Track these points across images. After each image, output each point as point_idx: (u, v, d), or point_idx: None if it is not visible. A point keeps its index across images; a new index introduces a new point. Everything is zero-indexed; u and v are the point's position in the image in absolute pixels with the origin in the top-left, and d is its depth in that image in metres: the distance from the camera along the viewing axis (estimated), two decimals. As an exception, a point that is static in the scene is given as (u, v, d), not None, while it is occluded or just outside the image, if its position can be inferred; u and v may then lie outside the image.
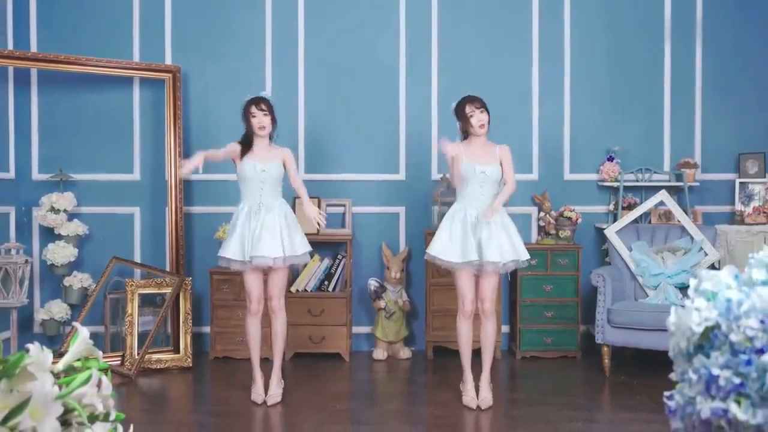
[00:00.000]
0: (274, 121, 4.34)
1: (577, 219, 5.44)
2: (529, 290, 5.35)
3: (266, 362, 4.70)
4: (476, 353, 4.39)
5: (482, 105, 4.22)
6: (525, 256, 4.21)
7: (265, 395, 4.31)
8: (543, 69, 5.72)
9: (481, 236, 4.10)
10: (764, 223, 5.41)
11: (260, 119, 4.27)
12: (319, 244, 5.49)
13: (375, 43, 5.70)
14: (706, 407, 1.06)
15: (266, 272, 4.33)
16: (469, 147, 4.25)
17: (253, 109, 4.28)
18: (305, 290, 5.42)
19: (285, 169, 4.33)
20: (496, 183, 4.23)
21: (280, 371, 4.41)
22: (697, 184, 5.64)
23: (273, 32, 5.69)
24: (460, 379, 4.36)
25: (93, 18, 5.61)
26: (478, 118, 4.19)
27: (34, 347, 1.01)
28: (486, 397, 4.23)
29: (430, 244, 4.26)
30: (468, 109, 4.21)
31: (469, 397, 4.25)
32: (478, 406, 4.19)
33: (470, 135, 4.26)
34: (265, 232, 4.16)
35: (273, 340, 4.40)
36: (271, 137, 4.38)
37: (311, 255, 4.51)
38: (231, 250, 4.20)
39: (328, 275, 5.46)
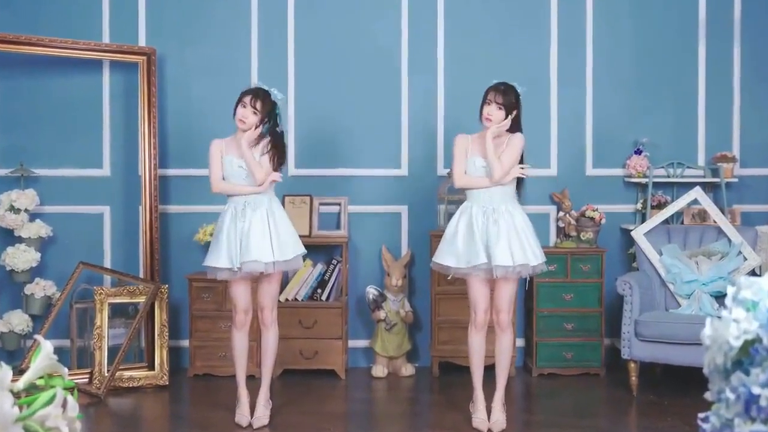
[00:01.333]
0: (262, 122, 4.23)
1: (600, 219, 5.44)
2: (546, 299, 5.35)
3: (252, 380, 4.70)
4: (488, 370, 4.38)
5: (504, 102, 4.17)
6: (536, 260, 4.14)
7: (251, 417, 4.30)
8: (562, 53, 5.72)
9: (489, 237, 4.09)
10: (810, 225, 5.42)
11: (244, 112, 4.22)
12: (312, 248, 5.47)
13: (374, 25, 5.70)
14: (745, 430, 1.06)
15: (255, 280, 4.33)
16: (478, 138, 4.26)
17: (246, 98, 4.24)
18: (296, 299, 5.43)
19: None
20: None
21: (269, 391, 4.39)
22: (736, 180, 5.65)
23: (260, 12, 5.69)
24: (470, 399, 4.36)
25: (58, -6, 5.61)
26: (488, 111, 4.18)
27: (-9, 363, 1.01)
28: (498, 420, 4.21)
29: (436, 252, 4.25)
30: (489, 96, 4.21)
31: (479, 420, 4.22)
32: (489, 430, 4.18)
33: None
34: (253, 234, 4.14)
35: (262, 356, 4.39)
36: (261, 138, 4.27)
37: (303, 258, 4.49)
38: (218, 258, 4.18)
39: (322, 282, 5.46)
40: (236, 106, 4.28)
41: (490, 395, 4.28)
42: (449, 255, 4.15)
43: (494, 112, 4.17)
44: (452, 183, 4.41)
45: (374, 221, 5.73)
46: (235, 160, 4.24)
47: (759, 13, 5.70)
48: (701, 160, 5.74)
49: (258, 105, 4.23)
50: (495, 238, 4.08)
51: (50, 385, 1.14)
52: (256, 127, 4.23)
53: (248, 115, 4.22)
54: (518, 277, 4.24)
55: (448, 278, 4.41)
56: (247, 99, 4.25)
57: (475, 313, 4.22)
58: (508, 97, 4.20)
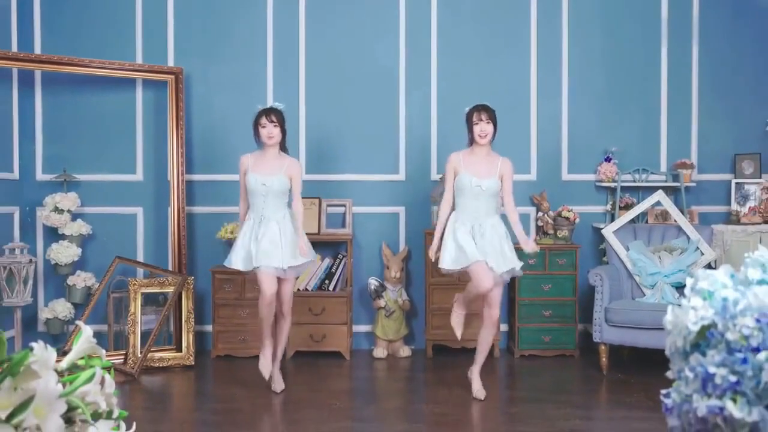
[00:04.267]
0: (283, 131, 4.38)
1: (575, 219, 5.44)
2: (527, 289, 5.35)
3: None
4: (472, 351, 4.39)
5: (490, 117, 4.22)
6: (517, 264, 4.21)
7: (271, 378, 4.40)
8: (541, 71, 5.72)
9: (477, 248, 4.12)
10: (760, 223, 5.41)
11: (270, 130, 4.32)
12: (320, 244, 5.48)
13: (375, 47, 5.70)
14: (702, 405, 1.06)
15: (279, 277, 4.35)
16: (470, 156, 4.26)
17: (263, 120, 4.34)
18: (306, 289, 5.42)
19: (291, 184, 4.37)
20: (492, 197, 4.21)
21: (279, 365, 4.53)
22: (694, 184, 5.64)
23: (274, 35, 5.69)
24: (460, 378, 4.34)
25: (96, 20, 5.60)
26: (481, 128, 4.20)
27: (38, 346, 1.01)
28: (480, 389, 4.31)
29: (441, 258, 4.19)
30: (475, 117, 4.23)
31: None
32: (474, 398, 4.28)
33: (474, 143, 4.27)
34: (267, 245, 4.21)
35: (278, 336, 4.47)
36: (282, 148, 4.43)
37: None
38: (236, 261, 4.28)
39: (329, 274, 5.46)
40: (256, 128, 4.35)
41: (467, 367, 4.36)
42: (449, 259, 4.14)
43: (486, 128, 4.20)
44: (444, 187, 4.41)
45: (375, 220, 5.72)
46: (259, 178, 4.28)
47: (714, 37, 5.69)
48: (663, 166, 5.73)
49: (275, 117, 4.34)
50: (481, 247, 4.11)
51: (90, 365, 1.14)
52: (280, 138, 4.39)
53: (273, 130, 4.32)
54: (503, 282, 4.27)
55: (456, 274, 4.40)
56: (267, 117, 4.33)
57: (478, 286, 4.08)
58: (491, 112, 4.25)
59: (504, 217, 4.34)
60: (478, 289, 4.12)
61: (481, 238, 4.12)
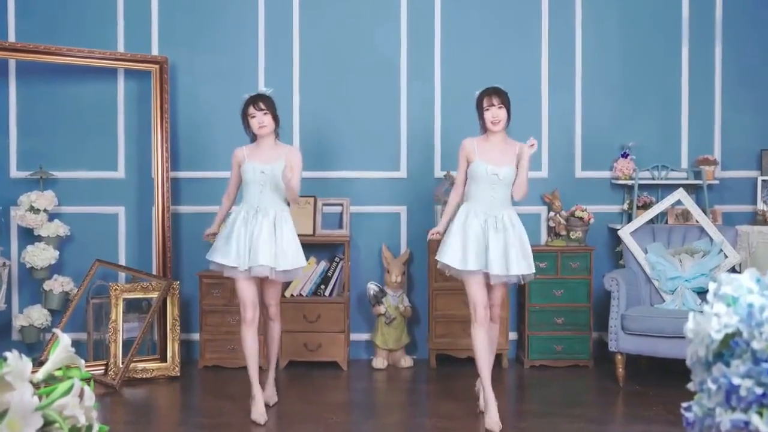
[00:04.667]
0: (275, 118, 4.32)
1: (589, 219, 5.44)
2: (538, 295, 5.35)
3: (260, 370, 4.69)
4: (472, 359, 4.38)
5: (502, 101, 4.14)
6: (528, 270, 4.11)
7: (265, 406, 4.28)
8: (553, 61, 5.72)
9: (490, 244, 4.03)
10: (788, 224, 5.42)
11: (260, 119, 4.26)
12: (316, 246, 5.49)
13: (374, 35, 5.70)
14: (726, 419, 1.06)
15: (261, 280, 4.31)
16: (484, 144, 4.19)
17: (251, 109, 4.28)
18: (300, 295, 5.43)
19: None
20: (509, 186, 4.15)
21: (274, 372, 4.51)
22: (717, 182, 5.64)
23: (266, 22, 5.69)
24: (466, 389, 4.35)
25: (74, 5, 5.61)
26: (493, 113, 4.12)
27: (12, 355, 1.01)
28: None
29: (440, 251, 4.15)
30: (486, 102, 4.14)
31: (492, 421, 4.03)
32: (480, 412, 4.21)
33: (487, 131, 4.20)
34: (261, 239, 4.14)
35: (268, 344, 4.45)
36: (277, 135, 4.39)
37: (307, 258, 4.50)
38: (226, 256, 4.15)
39: (325, 279, 5.46)
40: (245, 118, 4.31)
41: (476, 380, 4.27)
42: (451, 255, 4.07)
43: (498, 113, 4.12)
44: (449, 185, 4.40)
45: (375, 221, 5.73)
46: (257, 166, 4.24)
47: (740, 24, 5.69)
48: (684, 163, 5.73)
49: (264, 105, 4.27)
50: (494, 245, 4.03)
51: (68, 376, 1.14)
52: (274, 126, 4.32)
53: (263, 118, 4.26)
54: (507, 284, 4.25)
55: (447, 274, 4.32)
56: (254, 106, 4.27)
57: (476, 311, 4.10)
58: (503, 95, 4.17)
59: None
60: (475, 309, 4.10)
61: (495, 233, 4.05)
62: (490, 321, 4.21)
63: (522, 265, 4.07)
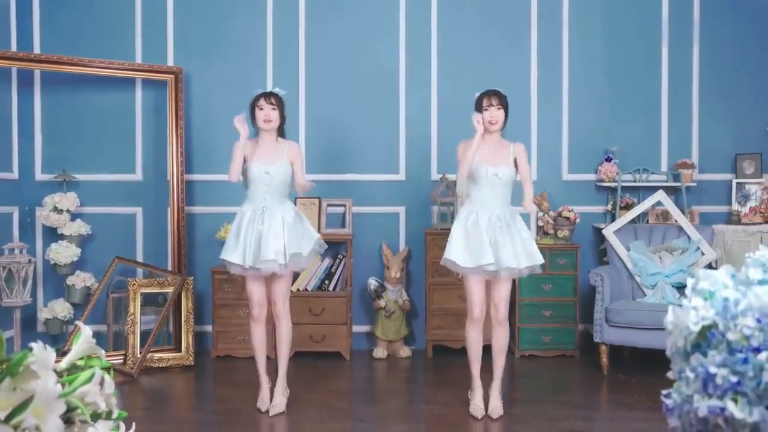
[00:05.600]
0: (282, 117, 4.14)
1: (575, 219, 5.44)
2: (528, 289, 5.35)
3: (268, 360, 4.68)
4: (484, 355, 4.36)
5: (501, 103, 4.02)
6: (540, 260, 4.01)
7: (270, 403, 4.17)
8: (542, 71, 5.72)
9: (496, 240, 3.92)
10: (761, 223, 5.42)
11: (267, 112, 4.08)
12: (320, 244, 5.48)
13: (375, 46, 5.70)
14: (703, 405, 1.06)
15: (269, 277, 4.13)
16: (481, 145, 4.02)
17: (262, 101, 4.10)
18: (306, 289, 5.42)
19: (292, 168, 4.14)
20: (508, 186, 4.02)
21: (285, 379, 4.22)
22: (694, 184, 5.64)
23: (274, 35, 5.69)
24: (461, 378, 4.34)
25: (95, 19, 5.61)
26: (491, 114, 3.99)
27: (37, 346, 1.01)
28: (496, 407, 4.06)
29: (446, 250, 4.00)
30: (485, 102, 4.02)
31: (476, 407, 4.06)
32: (488, 416, 4.03)
33: (485, 130, 4.02)
34: (269, 237, 3.97)
35: (278, 346, 4.21)
36: (281, 134, 4.20)
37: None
38: (232, 253, 4.01)
39: (329, 275, 5.46)
40: (253, 112, 4.12)
41: (486, 384, 4.15)
42: (459, 254, 3.93)
43: (496, 113, 4.00)
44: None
45: (375, 220, 5.72)
46: (262, 167, 4.05)
47: (715, 35, 5.69)
48: (664, 166, 5.73)
49: (275, 101, 4.12)
50: (503, 242, 3.91)
51: (89, 365, 1.14)
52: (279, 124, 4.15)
53: (271, 113, 4.09)
54: (517, 277, 4.12)
55: (458, 276, 4.18)
56: (264, 100, 4.10)
57: (472, 309, 4.02)
58: (502, 97, 4.05)
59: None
60: (472, 307, 4.01)
61: (500, 231, 3.93)
62: (497, 323, 4.08)
63: (535, 256, 3.98)
